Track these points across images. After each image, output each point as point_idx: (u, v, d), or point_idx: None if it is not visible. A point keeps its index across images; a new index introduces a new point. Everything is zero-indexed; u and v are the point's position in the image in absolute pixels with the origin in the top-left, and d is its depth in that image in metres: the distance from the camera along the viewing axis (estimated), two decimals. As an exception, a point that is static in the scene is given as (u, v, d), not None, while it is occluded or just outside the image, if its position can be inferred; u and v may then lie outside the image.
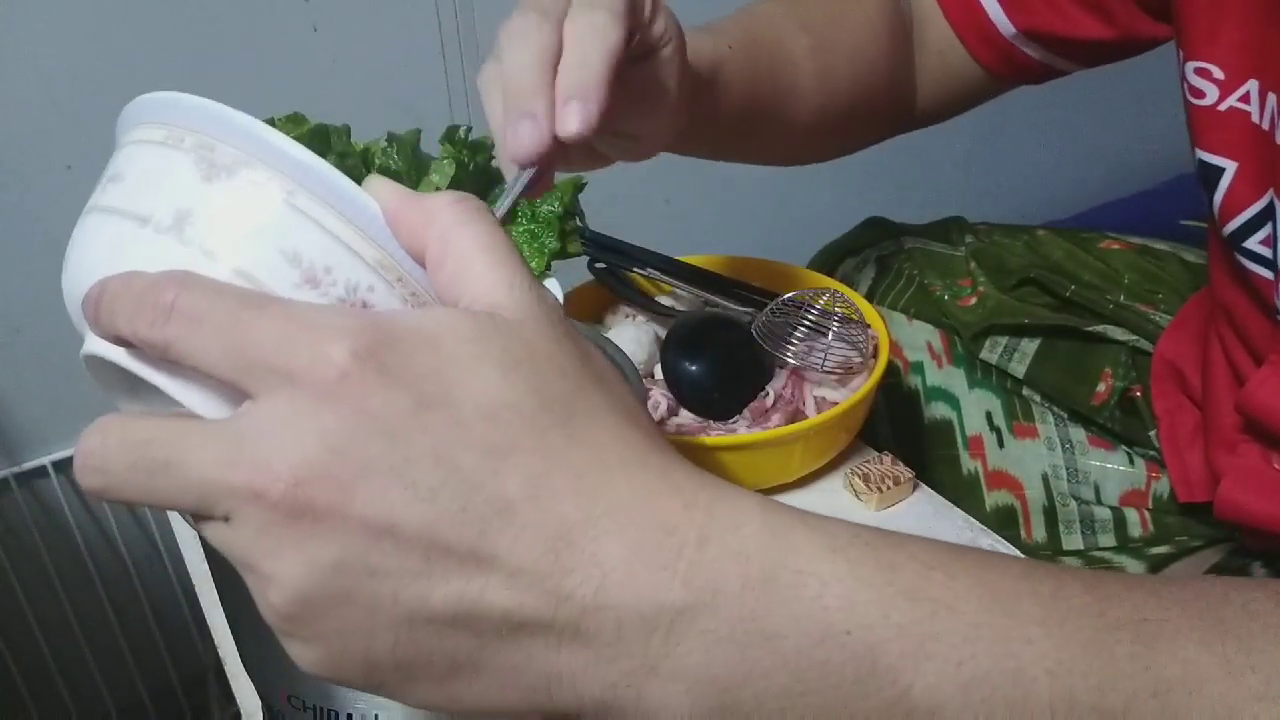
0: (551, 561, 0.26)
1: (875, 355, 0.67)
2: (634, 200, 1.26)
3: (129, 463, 0.27)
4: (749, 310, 0.71)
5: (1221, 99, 0.55)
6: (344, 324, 0.26)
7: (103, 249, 0.30)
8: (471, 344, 0.27)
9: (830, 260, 0.87)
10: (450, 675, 0.27)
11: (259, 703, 0.55)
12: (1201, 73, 0.56)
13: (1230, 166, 0.56)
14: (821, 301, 0.68)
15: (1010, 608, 0.27)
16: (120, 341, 0.29)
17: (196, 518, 0.28)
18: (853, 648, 0.26)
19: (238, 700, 0.61)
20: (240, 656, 0.53)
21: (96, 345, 0.30)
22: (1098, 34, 0.67)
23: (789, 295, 0.69)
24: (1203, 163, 0.57)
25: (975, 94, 0.74)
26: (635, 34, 0.47)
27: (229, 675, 0.62)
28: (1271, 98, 0.53)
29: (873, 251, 0.85)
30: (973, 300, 0.79)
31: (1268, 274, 0.55)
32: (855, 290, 0.79)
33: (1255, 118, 0.54)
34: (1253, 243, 0.56)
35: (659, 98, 0.50)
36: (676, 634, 0.26)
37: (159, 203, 0.29)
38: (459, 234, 0.29)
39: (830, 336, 0.66)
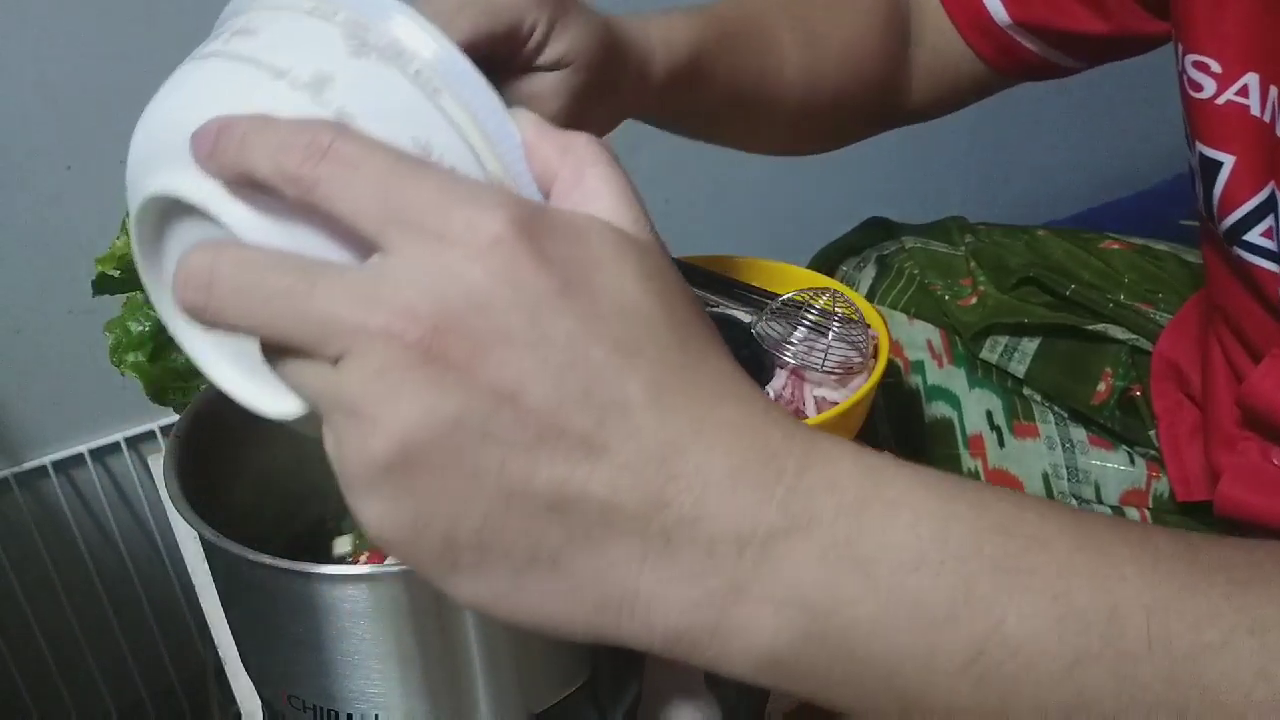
0: (658, 466, 0.26)
1: (875, 355, 0.67)
2: (634, 200, 1.26)
3: (244, 284, 0.27)
4: (749, 310, 0.71)
5: (1219, 92, 0.55)
6: (503, 198, 0.27)
7: (225, 92, 0.29)
8: (614, 247, 0.28)
9: (830, 260, 0.87)
10: (526, 567, 0.27)
11: (259, 703, 0.55)
12: (1199, 66, 0.56)
13: (1229, 160, 0.56)
14: (821, 301, 0.68)
15: (1103, 547, 0.27)
16: (231, 181, 0.28)
17: (281, 355, 0.27)
18: (946, 578, 0.26)
19: (238, 700, 0.61)
20: (240, 656, 0.53)
21: (183, 182, 0.29)
22: (1093, 28, 0.66)
23: (789, 295, 0.69)
24: (1202, 157, 0.57)
25: (972, 88, 0.74)
26: (509, 44, 0.49)
27: (229, 675, 0.63)
28: (1273, 90, 0.53)
29: (873, 251, 0.85)
30: (973, 300, 0.79)
31: (1270, 266, 0.55)
32: (856, 289, 0.79)
33: (1255, 110, 0.54)
34: (1254, 235, 0.56)
35: (557, 108, 0.52)
36: (769, 554, 0.26)
37: (299, 61, 0.29)
38: (595, 171, 0.30)
39: (830, 336, 0.66)
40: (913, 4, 0.72)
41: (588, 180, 0.30)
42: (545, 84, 0.51)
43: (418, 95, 0.29)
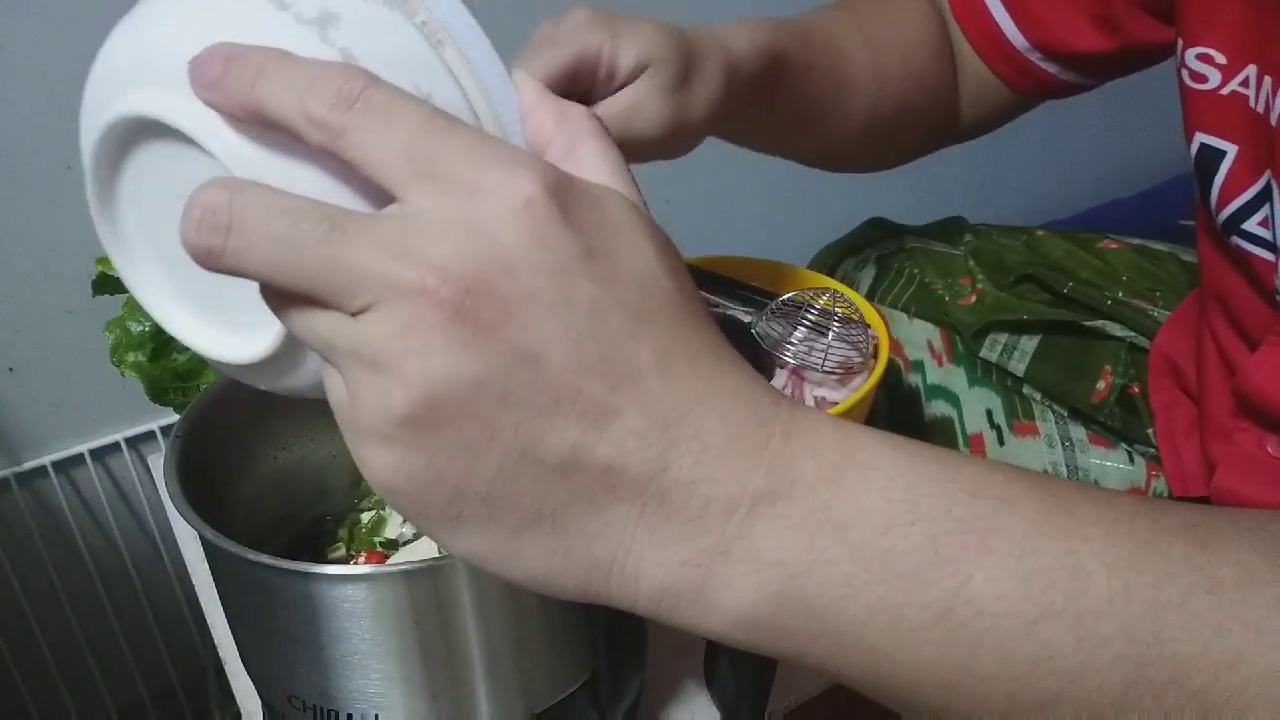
0: (662, 431, 0.27)
1: (875, 355, 0.67)
2: (634, 200, 1.26)
3: (270, 229, 0.26)
4: (749, 310, 0.71)
5: (1224, 83, 0.56)
6: (533, 161, 0.27)
7: (225, 17, 0.28)
8: (630, 216, 0.28)
9: (830, 260, 0.87)
10: (527, 524, 0.27)
11: (259, 703, 0.55)
12: (1203, 58, 0.56)
13: (1231, 150, 0.56)
14: (821, 301, 0.68)
15: (1068, 509, 0.28)
16: (234, 115, 0.27)
17: (290, 302, 0.27)
18: (915, 539, 0.27)
19: (238, 700, 0.61)
20: (240, 656, 0.53)
21: (176, 108, 0.27)
22: (1104, 45, 0.67)
23: (789, 295, 0.69)
24: (1203, 146, 0.58)
25: (1003, 108, 0.76)
26: (588, 69, 0.52)
27: (229, 675, 0.62)
28: (1268, 81, 0.53)
29: (873, 251, 0.85)
30: (972, 299, 0.79)
31: (1267, 255, 0.56)
32: (856, 289, 0.79)
33: (1251, 101, 0.54)
34: (1251, 224, 0.56)
35: (656, 112, 0.53)
36: (754, 517, 0.27)
37: None
38: (589, 143, 0.30)
39: (830, 336, 0.66)
40: (950, 29, 0.73)
41: (581, 151, 0.30)
42: (637, 91, 0.53)
43: (422, 44, 0.29)
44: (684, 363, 0.28)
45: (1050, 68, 0.71)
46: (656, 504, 0.27)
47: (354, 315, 0.26)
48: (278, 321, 0.28)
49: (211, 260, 0.26)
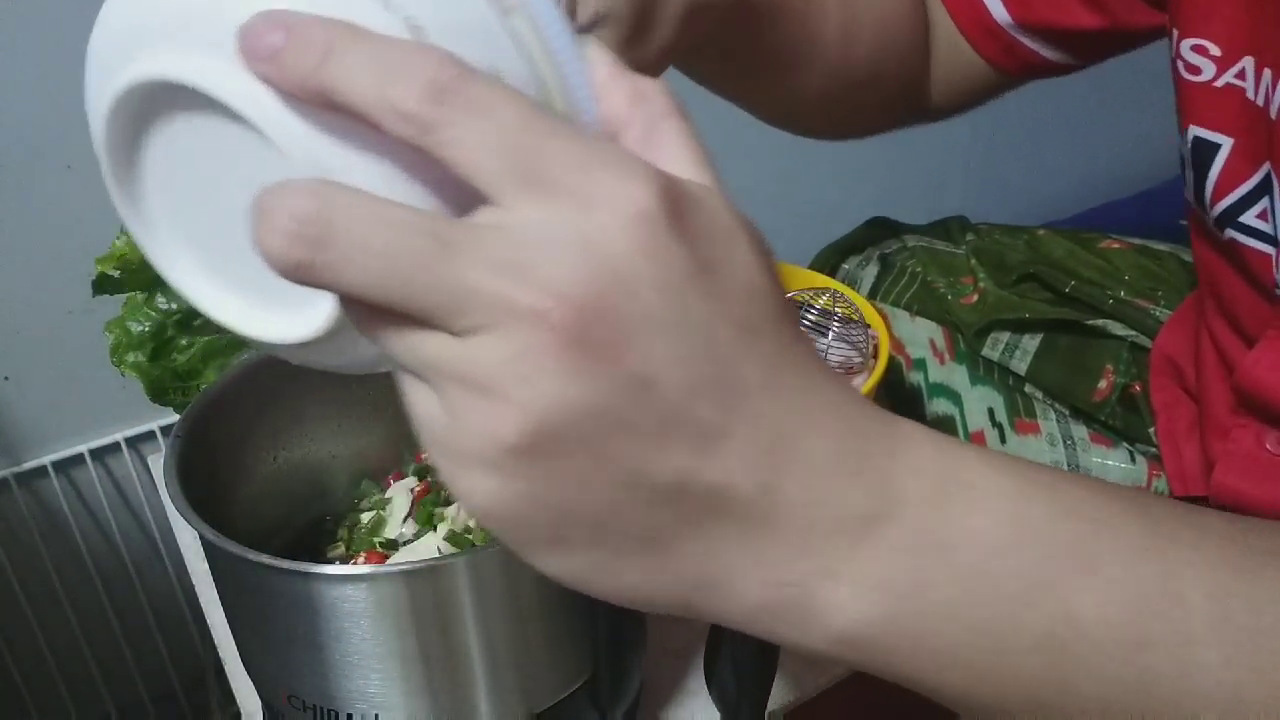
0: (770, 452, 0.26)
1: (875, 355, 0.67)
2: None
3: (370, 243, 0.23)
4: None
5: (1218, 75, 0.55)
6: (644, 167, 0.25)
7: None
8: (732, 220, 0.26)
9: (832, 260, 0.87)
10: (630, 547, 0.26)
11: (259, 703, 0.55)
12: (1198, 49, 0.56)
13: (1226, 143, 0.56)
14: (821, 301, 0.68)
15: (1166, 531, 0.28)
16: (293, 94, 0.24)
17: (385, 320, 0.25)
18: (1021, 562, 0.27)
19: (238, 700, 0.61)
20: (240, 656, 0.53)
21: (224, 79, 0.24)
22: (1091, 23, 0.66)
23: (789, 295, 0.69)
24: (1197, 139, 0.57)
25: (982, 88, 0.74)
26: None
27: (229, 675, 0.62)
28: (1267, 73, 0.53)
29: (876, 249, 0.85)
30: (974, 298, 0.79)
31: (1265, 248, 0.55)
32: (858, 287, 0.79)
33: (1250, 94, 0.54)
34: (1248, 217, 0.56)
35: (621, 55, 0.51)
36: (860, 539, 0.27)
37: None
38: (670, 125, 0.28)
39: (830, 336, 0.66)
40: (929, 5, 0.72)
41: (662, 136, 0.28)
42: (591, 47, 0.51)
43: (490, 12, 0.26)
44: (789, 376, 0.27)
45: (1036, 45, 0.69)
46: (761, 525, 0.26)
47: (458, 335, 0.24)
48: (331, 301, 0.26)
49: (300, 273, 0.24)
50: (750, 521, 0.26)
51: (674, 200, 0.25)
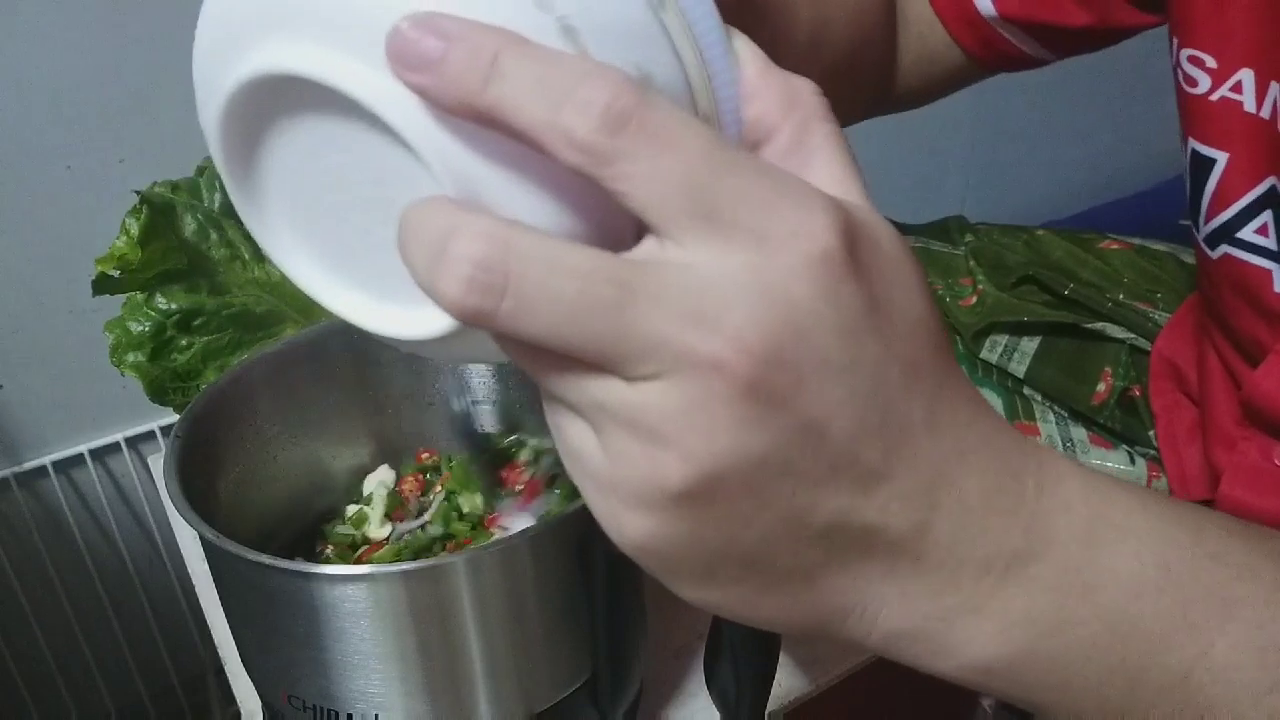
0: (926, 493, 0.25)
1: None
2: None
3: (555, 292, 0.22)
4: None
5: (1214, 88, 0.55)
6: (821, 199, 0.24)
7: None
8: (900, 249, 0.25)
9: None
10: (779, 584, 0.26)
11: (259, 703, 0.55)
12: (1194, 60, 0.55)
13: (1221, 158, 0.56)
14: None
15: None
16: (446, 108, 0.23)
17: (554, 363, 0.24)
18: (1163, 604, 0.27)
19: (238, 700, 0.61)
20: (240, 656, 0.53)
21: (368, 85, 0.22)
22: (1078, 20, 0.66)
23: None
24: (1195, 153, 0.57)
25: (954, 78, 0.72)
26: None
27: (229, 675, 0.62)
28: (1273, 86, 0.52)
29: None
30: (973, 300, 0.79)
31: (1264, 263, 0.55)
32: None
33: (1249, 107, 0.53)
34: (1247, 233, 0.56)
35: None
36: (1008, 577, 0.26)
37: None
38: (823, 131, 0.27)
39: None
40: None
41: (813, 143, 0.26)
42: None
43: (643, 7, 0.24)
44: (947, 413, 0.26)
45: (1016, 39, 0.68)
46: (910, 562, 0.26)
47: (629, 380, 0.23)
48: None
49: (479, 320, 0.23)
50: (900, 558, 0.26)
51: (851, 236, 0.24)
